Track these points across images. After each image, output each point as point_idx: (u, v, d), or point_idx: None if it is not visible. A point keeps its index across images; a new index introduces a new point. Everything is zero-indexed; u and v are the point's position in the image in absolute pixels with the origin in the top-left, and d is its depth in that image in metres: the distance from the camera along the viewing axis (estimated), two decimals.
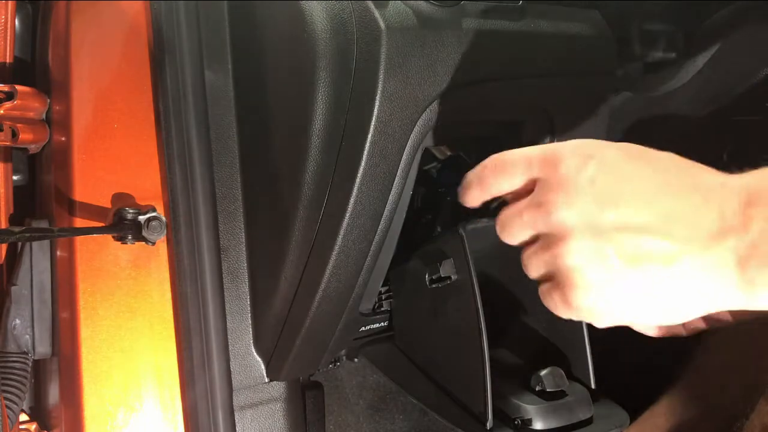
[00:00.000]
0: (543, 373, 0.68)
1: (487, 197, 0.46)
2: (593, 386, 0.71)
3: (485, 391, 0.65)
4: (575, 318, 0.42)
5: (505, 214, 0.44)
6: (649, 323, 0.41)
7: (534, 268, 0.43)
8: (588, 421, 0.69)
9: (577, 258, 0.40)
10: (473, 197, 0.47)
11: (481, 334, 0.65)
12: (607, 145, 0.43)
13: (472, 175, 0.47)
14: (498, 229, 0.45)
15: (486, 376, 0.65)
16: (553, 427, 0.67)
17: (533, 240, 0.43)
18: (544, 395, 0.68)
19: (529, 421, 0.66)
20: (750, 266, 0.37)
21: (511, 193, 0.45)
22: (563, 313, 0.42)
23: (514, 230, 0.43)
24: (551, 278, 0.42)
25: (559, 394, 0.68)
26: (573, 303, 0.41)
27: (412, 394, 0.82)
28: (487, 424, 0.66)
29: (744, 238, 0.37)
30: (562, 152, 0.42)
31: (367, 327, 0.85)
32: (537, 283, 0.45)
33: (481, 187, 0.46)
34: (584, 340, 0.71)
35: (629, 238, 0.39)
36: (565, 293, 0.41)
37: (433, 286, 0.72)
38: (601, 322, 0.42)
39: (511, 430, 0.67)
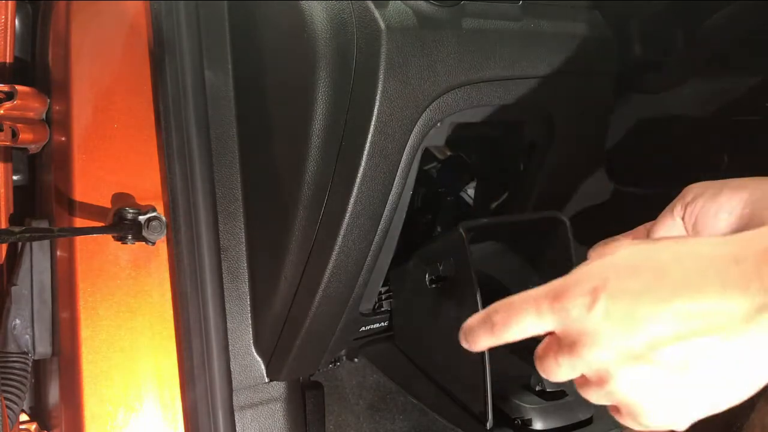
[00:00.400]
0: None
1: (500, 344, 0.46)
2: None
3: (485, 391, 0.65)
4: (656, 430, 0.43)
5: (542, 358, 0.44)
6: (725, 406, 0.41)
7: (597, 400, 0.43)
8: (588, 421, 0.69)
9: (630, 388, 0.40)
10: (483, 343, 0.46)
11: None
12: (605, 264, 0.42)
13: (477, 321, 0.46)
14: (539, 369, 0.45)
15: (486, 376, 0.65)
16: (553, 427, 0.67)
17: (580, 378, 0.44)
18: (544, 395, 0.68)
19: (529, 421, 0.66)
20: None
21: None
22: (642, 430, 0.43)
23: (557, 375, 0.43)
24: (617, 406, 0.43)
25: (559, 394, 0.68)
26: (649, 424, 0.42)
27: (412, 394, 0.82)
28: (488, 424, 0.66)
29: None
30: (567, 294, 0.42)
31: (367, 327, 0.85)
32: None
33: (492, 334, 0.45)
34: None
35: (667, 350, 0.39)
36: (637, 420, 0.42)
37: (434, 286, 0.72)
38: (684, 425, 0.42)
39: (511, 430, 0.67)
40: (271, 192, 0.75)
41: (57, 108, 0.76)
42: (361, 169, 0.65)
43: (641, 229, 0.60)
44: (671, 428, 0.42)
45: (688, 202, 0.53)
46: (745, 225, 0.48)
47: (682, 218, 0.54)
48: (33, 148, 0.77)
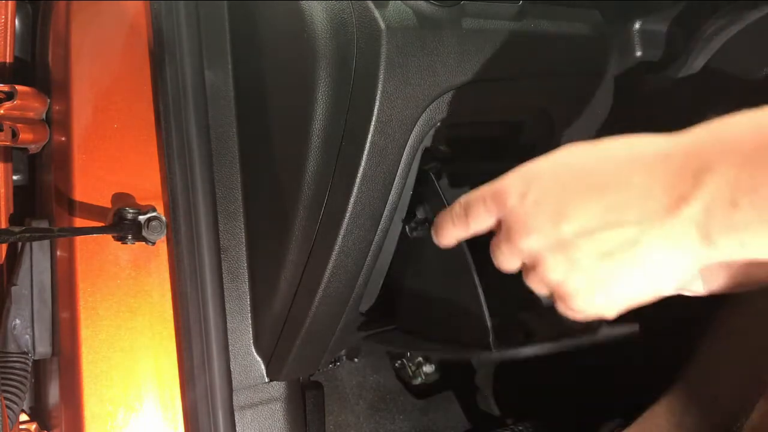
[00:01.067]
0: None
1: (466, 236, 0.51)
2: None
3: (482, 311, 0.64)
4: (589, 318, 0.46)
5: (492, 247, 0.48)
6: (645, 299, 0.44)
7: (535, 287, 0.47)
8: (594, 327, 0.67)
9: (557, 272, 0.44)
10: (451, 236, 0.52)
11: (468, 259, 0.64)
12: (543, 160, 0.46)
13: (445, 216, 0.52)
14: (493, 259, 0.49)
15: (480, 297, 0.64)
16: (559, 335, 0.66)
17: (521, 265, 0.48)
18: (546, 310, 0.67)
19: (533, 331, 0.66)
20: (710, 231, 0.38)
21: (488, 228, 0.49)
22: (576, 317, 0.46)
23: (502, 261, 0.48)
24: (552, 292, 0.46)
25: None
26: (576, 308, 0.45)
27: (418, 349, 0.80)
28: (491, 343, 0.65)
29: (696, 205, 0.38)
30: (505, 185, 0.46)
31: None
32: None
33: (455, 226, 0.51)
34: None
35: (590, 239, 0.42)
36: (566, 303, 0.45)
37: (415, 234, 0.72)
38: (610, 313, 0.45)
39: (516, 346, 0.66)
40: (271, 192, 0.75)
41: (57, 108, 0.76)
42: (361, 169, 0.65)
43: None
44: (602, 314, 0.45)
45: None
46: None
47: None
48: (33, 148, 0.77)
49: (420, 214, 0.71)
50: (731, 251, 0.38)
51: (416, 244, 0.73)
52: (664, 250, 0.40)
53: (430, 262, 0.73)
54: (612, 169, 0.42)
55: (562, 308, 0.46)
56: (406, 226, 0.73)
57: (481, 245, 0.57)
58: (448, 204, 0.65)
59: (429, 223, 0.71)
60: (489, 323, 0.65)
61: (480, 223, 0.48)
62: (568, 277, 0.43)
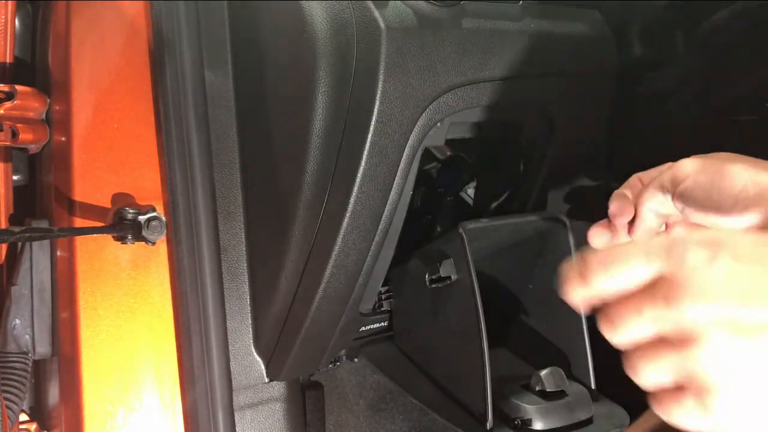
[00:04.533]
0: (543, 373, 0.68)
1: (592, 294, 0.39)
2: (593, 386, 0.71)
3: (485, 391, 0.65)
4: (715, 430, 0.36)
5: (616, 308, 0.38)
6: None
7: (652, 373, 0.37)
8: (588, 421, 0.69)
9: (719, 361, 0.34)
10: (575, 295, 0.40)
11: (482, 334, 0.65)
12: (740, 233, 0.38)
13: (573, 269, 0.40)
14: (603, 324, 0.38)
15: (486, 376, 0.65)
16: (553, 427, 0.67)
17: (649, 339, 0.37)
18: (544, 395, 0.68)
19: (529, 421, 0.66)
20: None
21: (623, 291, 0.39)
22: (697, 424, 0.36)
23: (627, 327, 0.37)
24: (681, 384, 0.36)
25: (559, 394, 0.68)
26: (715, 412, 0.35)
27: (412, 394, 0.82)
28: (487, 424, 0.66)
29: None
30: (687, 243, 0.36)
31: (367, 327, 0.85)
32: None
33: (583, 282, 0.39)
34: (584, 340, 0.71)
35: None
36: (702, 400, 0.35)
37: (433, 286, 0.72)
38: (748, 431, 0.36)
39: (511, 430, 0.67)
40: (271, 192, 0.75)
41: (57, 108, 0.76)
42: (361, 169, 0.65)
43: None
44: (734, 430, 0.35)
45: (681, 179, 0.49)
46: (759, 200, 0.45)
47: (672, 195, 0.50)
48: (33, 148, 0.77)
49: (443, 271, 0.71)
50: None
51: (433, 291, 0.73)
52: None
53: (442, 313, 0.73)
54: None
55: (688, 407, 0.36)
56: (427, 276, 0.73)
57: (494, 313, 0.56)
58: (472, 266, 0.65)
59: (450, 280, 0.71)
60: (490, 406, 0.66)
61: (620, 277, 0.37)
62: (727, 368, 0.34)
